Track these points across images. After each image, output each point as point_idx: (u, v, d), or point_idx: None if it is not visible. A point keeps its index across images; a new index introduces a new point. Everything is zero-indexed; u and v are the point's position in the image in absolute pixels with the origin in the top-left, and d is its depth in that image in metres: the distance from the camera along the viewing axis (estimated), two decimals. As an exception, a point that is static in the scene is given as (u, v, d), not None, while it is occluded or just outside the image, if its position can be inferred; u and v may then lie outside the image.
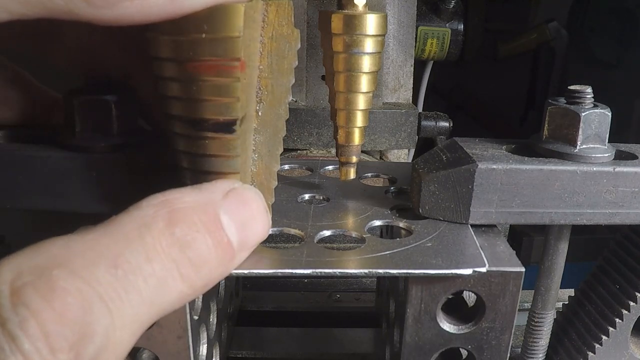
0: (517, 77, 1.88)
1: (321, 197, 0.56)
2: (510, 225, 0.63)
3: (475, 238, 0.46)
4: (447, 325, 0.45)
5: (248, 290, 0.80)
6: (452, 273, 0.41)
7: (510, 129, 1.93)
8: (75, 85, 0.49)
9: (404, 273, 0.42)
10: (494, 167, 0.47)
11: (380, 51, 0.52)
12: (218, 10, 0.34)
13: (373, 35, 0.50)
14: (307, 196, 0.56)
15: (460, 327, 0.45)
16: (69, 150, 0.47)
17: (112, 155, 0.46)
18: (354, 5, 0.50)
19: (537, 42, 1.74)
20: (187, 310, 0.42)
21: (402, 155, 1.01)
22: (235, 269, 0.41)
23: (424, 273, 0.42)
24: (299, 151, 0.91)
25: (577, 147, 0.48)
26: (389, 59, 0.94)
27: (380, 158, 0.98)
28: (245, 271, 0.41)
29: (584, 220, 0.49)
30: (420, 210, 0.49)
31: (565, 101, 0.50)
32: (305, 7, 0.87)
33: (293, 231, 0.48)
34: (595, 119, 0.48)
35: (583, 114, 0.48)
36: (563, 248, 0.54)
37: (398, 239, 0.46)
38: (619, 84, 1.55)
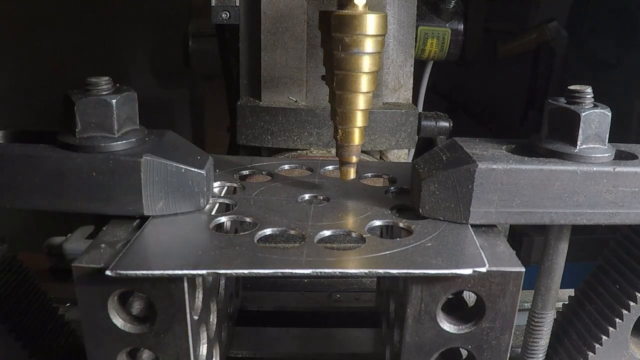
0: (517, 77, 1.88)
1: (321, 197, 0.56)
2: (510, 225, 0.63)
3: (475, 238, 0.46)
4: (447, 325, 0.45)
5: (248, 290, 0.80)
6: (452, 273, 0.41)
7: (510, 129, 1.93)
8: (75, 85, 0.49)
9: (404, 273, 0.42)
10: (494, 167, 0.47)
11: (380, 51, 0.52)
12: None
13: (373, 35, 0.50)
14: (307, 196, 0.56)
15: (460, 327, 0.45)
16: (69, 150, 0.47)
17: (112, 155, 0.46)
18: (354, 5, 0.50)
19: (537, 42, 1.74)
20: (187, 310, 0.42)
21: (402, 155, 1.01)
22: (236, 269, 0.41)
23: (424, 273, 0.42)
24: (299, 151, 0.91)
25: (577, 147, 0.48)
26: (389, 59, 0.93)
27: (380, 158, 0.98)
28: (245, 271, 0.41)
29: (584, 220, 0.49)
30: (420, 210, 0.49)
31: (565, 101, 0.50)
32: (305, 7, 0.87)
33: (293, 231, 0.48)
34: (595, 119, 0.48)
35: (583, 114, 0.48)
36: (563, 248, 0.54)
37: (398, 239, 0.46)
38: (619, 84, 1.55)
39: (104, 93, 0.48)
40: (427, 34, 1.10)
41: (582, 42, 1.71)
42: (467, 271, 0.41)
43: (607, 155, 0.48)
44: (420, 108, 1.26)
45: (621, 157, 0.51)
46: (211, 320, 0.54)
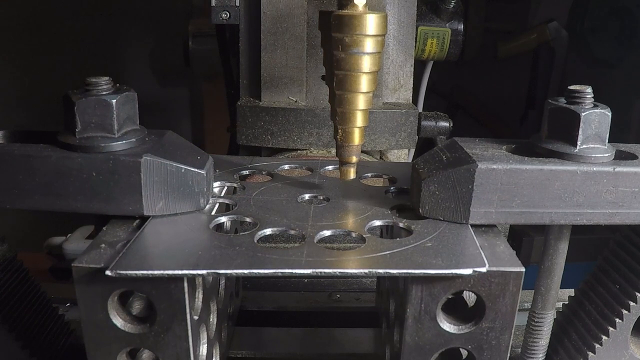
0: (517, 77, 1.88)
1: (321, 197, 0.56)
2: (510, 225, 0.63)
3: (475, 238, 0.46)
4: (447, 325, 0.45)
5: (248, 290, 0.80)
6: (452, 273, 0.41)
7: (510, 129, 1.93)
8: (75, 86, 0.49)
9: (404, 273, 0.42)
10: (494, 167, 0.47)
11: (380, 51, 0.52)
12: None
13: (373, 35, 0.50)
14: (307, 196, 0.56)
15: (460, 327, 0.45)
16: (69, 150, 0.47)
17: (112, 155, 0.46)
18: (354, 5, 0.50)
19: (537, 42, 1.74)
20: (187, 310, 0.42)
21: (402, 155, 1.01)
22: (236, 269, 0.41)
23: (424, 273, 0.42)
24: (299, 151, 0.91)
25: (577, 147, 0.48)
26: (389, 59, 0.94)
27: (380, 158, 0.98)
28: (245, 271, 0.41)
29: (584, 220, 0.49)
30: (420, 210, 0.49)
31: (565, 101, 0.50)
32: (305, 7, 0.87)
33: (293, 231, 0.48)
34: (595, 119, 0.48)
35: (583, 114, 0.48)
36: (563, 248, 0.54)
37: (398, 239, 0.46)
38: (619, 84, 1.55)
39: (104, 93, 0.48)
40: (427, 34, 1.10)
41: (582, 42, 1.71)
42: (467, 271, 0.41)
43: (607, 155, 0.48)
44: (420, 108, 1.26)
45: (621, 157, 0.51)
46: (211, 320, 0.54)
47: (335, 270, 0.41)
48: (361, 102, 0.53)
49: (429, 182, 0.48)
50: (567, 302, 0.62)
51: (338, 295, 0.80)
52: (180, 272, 0.40)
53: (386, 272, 0.41)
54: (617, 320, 0.54)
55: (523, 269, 0.43)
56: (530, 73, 1.85)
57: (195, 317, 0.45)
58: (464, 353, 0.47)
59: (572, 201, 0.48)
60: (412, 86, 0.99)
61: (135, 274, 0.40)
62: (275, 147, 0.92)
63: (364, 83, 0.52)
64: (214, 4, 0.88)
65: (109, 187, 0.46)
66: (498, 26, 1.74)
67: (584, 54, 1.75)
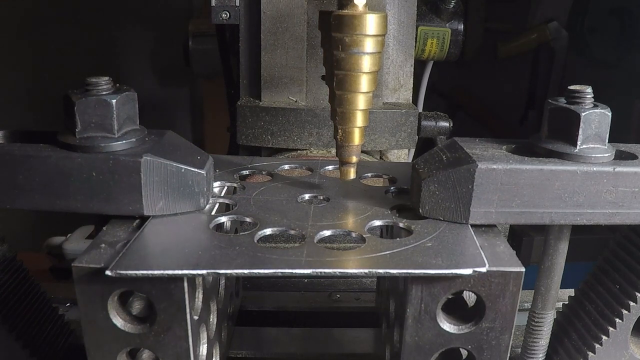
0: (517, 77, 1.88)
1: (321, 197, 0.56)
2: (510, 225, 0.63)
3: (475, 238, 0.46)
4: (447, 325, 0.45)
5: (248, 290, 0.80)
6: (452, 273, 0.41)
7: (510, 129, 1.93)
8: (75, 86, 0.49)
9: (404, 273, 0.42)
10: (494, 167, 0.47)
11: (380, 51, 0.52)
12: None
13: (373, 35, 0.50)
14: (307, 196, 0.56)
15: (460, 327, 0.45)
16: (69, 150, 0.47)
17: (112, 155, 0.46)
18: (354, 5, 0.50)
19: (537, 42, 1.74)
20: (187, 310, 0.42)
21: (402, 155, 1.01)
22: (236, 269, 0.41)
23: (424, 273, 0.42)
24: (299, 151, 0.91)
25: (577, 147, 0.48)
26: (389, 59, 0.93)
27: (380, 158, 0.98)
28: (245, 271, 0.41)
29: (584, 220, 0.49)
30: (420, 210, 0.49)
31: (565, 101, 0.50)
32: (305, 7, 0.87)
33: (293, 231, 0.48)
34: (595, 119, 0.48)
35: (583, 114, 0.48)
36: (563, 248, 0.54)
37: (398, 239, 0.46)
38: (619, 84, 1.55)
39: (104, 93, 0.48)
40: (427, 34, 1.10)
41: (582, 42, 1.71)
42: (467, 271, 0.41)
43: (607, 155, 0.48)
44: (420, 108, 1.26)
45: (621, 157, 0.51)
46: (211, 320, 0.54)
47: (335, 270, 0.41)
48: (361, 102, 0.53)
49: (429, 182, 0.48)
50: (567, 302, 0.62)
51: (338, 295, 0.80)
52: (180, 272, 0.40)
53: (386, 272, 0.41)
54: (617, 320, 0.54)
55: (523, 269, 0.43)
56: (530, 73, 1.85)
57: (195, 317, 0.45)
58: (464, 353, 0.47)
59: (572, 201, 0.48)
60: (412, 86, 0.99)
61: (135, 274, 0.40)
62: (275, 147, 0.92)
63: (364, 83, 0.52)
64: (214, 4, 0.88)
65: (109, 187, 0.46)
66: (498, 26, 1.74)
67: (584, 54, 1.75)
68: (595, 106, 0.49)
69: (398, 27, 0.93)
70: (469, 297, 0.48)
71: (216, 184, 0.58)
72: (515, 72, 1.88)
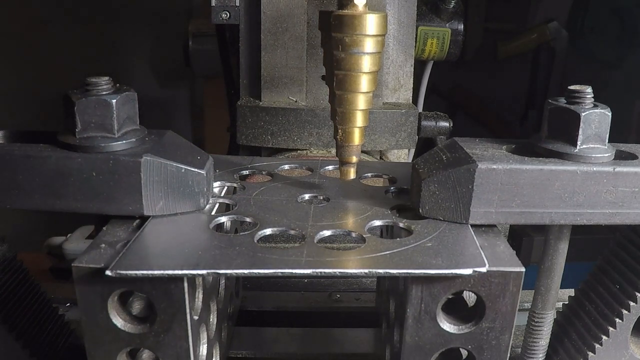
0: (517, 77, 1.88)
1: (321, 197, 0.56)
2: (510, 225, 0.63)
3: (475, 238, 0.46)
4: (447, 325, 0.45)
5: (248, 290, 0.80)
6: (452, 273, 0.41)
7: (510, 129, 1.93)
8: (75, 85, 0.49)
9: (404, 273, 0.42)
10: (494, 167, 0.47)
11: (380, 51, 0.52)
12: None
13: (373, 35, 0.50)
14: (307, 196, 0.56)
15: (460, 327, 0.45)
16: (69, 150, 0.47)
17: (112, 155, 0.46)
18: (354, 5, 0.50)
19: (537, 42, 1.74)
20: (187, 310, 0.42)
21: (402, 155, 1.01)
22: (236, 269, 0.41)
23: (424, 273, 0.41)
24: (299, 151, 0.91)
25: (577, 147, 0.48)
26: (389, 59, 0.93)
27: (380, 158, 0.98)
28: (245, 271, 0.41)
29: (584, 220, 0.49)
30: (420, 210, 0.49)
31: (565, 101, 0.50)
32: (305, 7, 0.87)
33: (293, 231, 0.48)
34: (595, 119, 0.48)
35: (583, 114, 0.48)
36: (563, 248, 0.54)
37: (398, 239, 0.46)
38: (619, 84, 1.55)
39: (104, 93, 0.48)
40: (427, 34, 1.10)
41: (582, 42, 1.72)
42: (467, 271, 0.41)
43: (607, 155, 0.48)
44: (420, 108, 1.26)
45: (621, 157, 0.51)
46: (211, 320, 0.54)
47: (335, 270, 0.41)
48: (361, 102, 0.53)
49: (429, 182, 0.48)
50: (567, 302, 0.62)
51: (338, 295, 0.80)
52: (180, 272, 0.40)
53: (386, 272, 0.41)
54: (617, 320, 0.54)
55: (523, 269, 0.43)
56: (530, 73, 1.85)
57: (195, 317, 0.45)
58: (464, 353, 0.47)
59: (572, 201, 0.48)
60: (412, 86, 0.99)
61: (135, 274, 0.40)
62: (275, 147, 0.91)
63: (364, 83, 0.52)
64: (214, 4, 0.88)
65: (109, 187, 0.46)
66: (498, 26, 1.74)
67: (584, 54, 1.75)
68: (595, 106, 0.49)
69: (398, 27, 0.93)
70: (469, 297, 0.48)
71: (216, 184, 0.58)
72: (515, 72, 1.88)
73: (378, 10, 0.52)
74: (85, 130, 0.47)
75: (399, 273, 0.42)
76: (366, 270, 0.41)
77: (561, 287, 0.56)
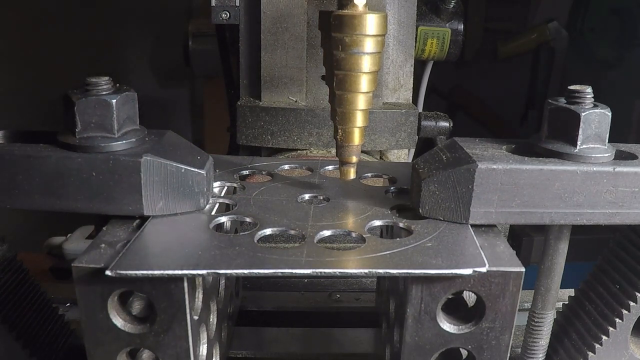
0: (517, 77, 1.88)
1: (321, 197, 0.56)
2: (510, 225, 0.63)
3: (475, 238, 0.46)
4: (447, 325, 0.45)
5: (248, 290, 0.80)
6: (452, 273, 0.41)
7: (510, 129, 1.93)
8: (75, 85, 0.49)
9: (404, 273, 0.42)
10: (494, 167, 0.47)
11: (380, 51, 0.52)
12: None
13: (373, 35, 0.50)
14: (307, 196, 0.56)
15: (460, 327, 0.45)
16: (69, 150, 0.47)
17: (112, 155, 0.46)
18: (354, 5, 0.50)
19: (537, 42, 1.74)
20: (187, 310, 0.42)
21: (402, 155, 1.01)
22: (236, 269, 0.41)
23: (424, 273, 0.41)
24: (299, 151, 0.91)
25: (577, 147, 0.48)
26: (389, 59, 0.93)
27: (380, 158, 0.98)
28: (245, 271, 0.41)
29: (584, 220, 0.49)
30: (420, 210, 0.49)
31: (565, 101, 0.50)
32: (305, 7, 0.87)
33: (293, 231, 0.48)
34: (595, 119, 0.48)
35: (583, 114, 0.48)
36: (563, 248, 0.54)
37: (398, 239, 0.46)
38: (619, 84, 1.55)
39: (104, 93, 0.48)
40: (427, 34, 1.10)
41: (582, 42, 1.72)
42: (467, 271, 0.41)
43: (607, 155, 0.48)
44: (420, 108, 1.26)
45: (621, 157, 0.51)
46: (211, 320, 0.54)
47: (335, 270, 0.41)
48: (361, 102, 0.53)
49: (429, 182, 0.48)
50: (567, 302, 0.62)
51: (338, 295, 0.80)
52: (180, 272, 0.40)
53: (386, 272, 0.41)
54: (617, 320, 0.54)
55: (523, 269, 0.43)
56: (530, 73, 1.85)
57: (195, 317, 0.45)
58: (464, 353, 0.47)
59: (572, 201, 0.48)
60: (412, 86, 0.99)
61: (135, 274, 0.40)
62: (275, 147, 0.91)
63: (364, 83, 0.52)
64: (214, 4, 0.88)
65: (109, 187, 0.46)
66: (498, 26, 1.74)
67: (584, 54, 1.75)
68: (595, 106, 0.49)
69: (398, 27, 0.93)
70: (469, 297, 0.48)
71: (216, 184, 0.58)
72: (515, 72, 1.88)
73: (378, 10, 0.52)
74: (85, 130, 0.47)
75: (399, 273, 0.42)
76: (366, 270, 0.41)
77: (561, 287, 0.56)
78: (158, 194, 0.47)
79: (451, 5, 1.08)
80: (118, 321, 0.43)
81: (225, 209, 0.54)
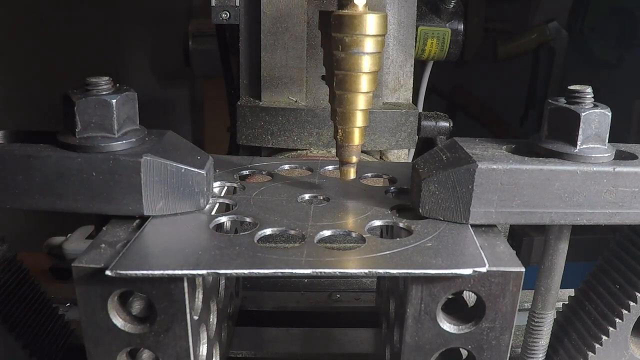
0: (517, 77, 1.88)
1: (321, 197, 0.56)
2: (510, 225, 0.64)
3: (475, 238, 0.46)
4: (447, 325, 0.45)
5: (248, 290, 0.80)
6: (452, 273, 0.41)
7: (510, 129, 1.93)
8: (75, 85, 0.49)
9: (404, 273, 0.42)
10: (494, 167, 0.47)
11: (380, 51, 0.52)
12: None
13: (373, 35, 0.50)
14: (307, 196, 0.56)
15: (460, 327, 0.45)
16: (69, 150, 0.47)
17: (112, 155, 0.46)
18: (354, 5, 0.50)
19: (537, 42, 1.74)
20: (187, 310, 0.42)
21: (402, 155, 1.01)
22: (236, 269, 0.41)
23: (424, 273, 0.41)
24: (299, 151, 0.91)
25: (577, 147, 0.48)
26: (389, 59, 0.93)
27: (380, 158, 0.98)
28: (245, 271, 0.41)
29: (584, 220, 0.49)
30: (420, 210, 0.49)
31: (565, 101, 0.50)
32: (305, 7, 0.87)
33: (293, 231, 0.48)
34: (595, 119, 0.48)
35: (583, 114, 0.48)
36: (563, 248, 0.54)
37: (398, 239, 0.46)
38: (619, 84, 1.55)
39: (104, 93, 0.48)
40: (427, 34, 1.10)
41: (582, 42, 1.72)
42: (467, 271, 0.41)
43: (607, 155, 0.48)
44: (420, 108, 1.26)
45: (621, 157, 0.51)
46: (211, 320, 0.54)
47: (335, 270, 0.41)
48: (361, 102, 0.53)
49: (429, 182, 0.48)
50: (567, 302, 0.62)
51: (338, 295, 0.80)
52: (180, 272, 0.40)
53: (386, 272, 0.41)
54: (617, 320, 0.54)
55: (523, 269, 0.43)
56: (530, 73, 1.85)
57: (195, 317, 0.45)
58: (464, 353, 0.47)
59: (572, 201, 0.48)
60: (412, 86, 0.99)
61: (135, 274, 0.40)
62: (275, 147, 0.92)
63: (364, 83, 0.52)
64: (214, 4, 0.88)
65: (109, 187, 0.46)
66: (498, 26, 1.74)
67: (584, 54, 1.75)
68: (595, 106, 0.49)
69: (398, 27, 0.93)
70: (469, 297, 0.48)
71: (216, 184, 0.58)
72: (515, 72, 1.88)
73: (378, 10, 0.52)
74: (85, 130, 0.47)
75: (399, 273, 0.42)
76: (366, 270, 0.41)
77: (561, 287, 0.56)
78: (158, 194, 0.47)
79: (451, 5, 1.08)
80: (118, 321, 0.43)
81: (225, 209, 0.54)
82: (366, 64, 0.51)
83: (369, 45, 0.50)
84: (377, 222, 0.50)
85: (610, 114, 0.49)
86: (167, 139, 0.51)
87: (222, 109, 1.34)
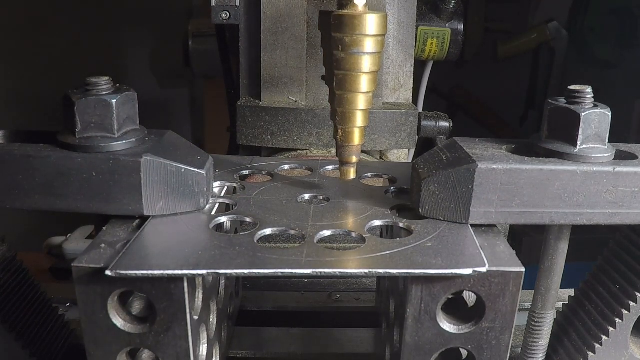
0: (517, 77, 1.88)
1: (321, 197, 0.56)
2: (510, 225, 0.64)
3: (475, 238, 0.46)
4: (447, 325, 0.45)
5: (248, 290, 0.80)
6: (452, 273, 0.41)
7: (510, 129, 1.93)
8: (75, 85, 0.49)
9: (404, 273, 0.42)
10: (494, 167, 0.47)
11: (380, 51, 0.52)
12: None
13: (373, 35, 0.50)
14: (307, 196, 0.56)
15: (460, 327, 0.45)
16: (69, 150, 0.47)
17: (112, 155, 0.46)
18: (354, 5, 0.50)
19: (537, 42, 1.74)
20: (187, 310, 0.42)
21: (402, 155, 1.01)
22: (236, 269, 0.41)
23: (424, 273, 0.42)
24: (299, 151, 0.91)
25: (577, 147, 0.48)
26: (389, 59, 0.93)
27: (380, 158, 0.98)
28: (245, 271, 0.41)
29: (584, 220, 0.49)
30: (420, 210, 0.49)
31: (565, 101, 0.50)
32: (305, 7, 0.87)
33: (293, 231, 0.48)
34: (595, 119, 0.48)
35: (583, 114, 0.48)
36: (563, 248, 0.54)
37: (398, 239, 0.46)
38: (619, 84, 1.55)
39: (104, 93, 0.48)
40: (427, 34, 1.10)
41: (582, 42, 1.72)
42: (467, 271, 0.41)
43: (607, 155, 0.48)
44: (420, 108, 1.26)
45: (621, 157, 0.51)
46: (211, 320, 0.54)
47: (335, 270, 0.41)
48: (361, 102, 0.53)
49: (429, 182, 0.48)
50: (567, 302, 0.62)
51: (338, 295, 0.80)
52: (180, 272, 0.40)
53: (386, 272, 0.41)
54: (617, 320, 0.54)
55: (523, 269, 0.43)
56: (530, 73, 1.85)
57: (195, 317, 0.45)
58: (464, 353, 0.47)
59: (572, 201, 0.48)
60: (412, 86, 0.99)
61: (135, 274, 0.40)
62: (275, 147, 0.92)
63: (364, 83, 0.52)
64: (214, 4, 0.88)
65: (109, 187, 0.46)
66: (498, 26, 1.74)
67: (584, 54, 1.75)
68: (595, 106, 0.49)
69: (398, 27, 0.93)
70: (469, 297, 0.48)
71: (216, 184, 0.58)
72: (515, 72, 1.88)
73: (378, 10, 0.52)
74: (85, 130, 0.47)
75: (399, 273, 0.42)
76: (366, 270, 0.41)
77: (561, 287, 0.56)
78: (158, 194, 0.47)
79: (451, 5, 1.08)
80: (118, 321, 0.43)
81: (225, 209, 0.54)
82: (366, 64, 0.51)
83: (369, 45, 0.50)
84: (377, 222, 0.50)
85: (610, 114, 0.49)
86: (167, 139, 0.51)
87: (222, 109, 1.34)
